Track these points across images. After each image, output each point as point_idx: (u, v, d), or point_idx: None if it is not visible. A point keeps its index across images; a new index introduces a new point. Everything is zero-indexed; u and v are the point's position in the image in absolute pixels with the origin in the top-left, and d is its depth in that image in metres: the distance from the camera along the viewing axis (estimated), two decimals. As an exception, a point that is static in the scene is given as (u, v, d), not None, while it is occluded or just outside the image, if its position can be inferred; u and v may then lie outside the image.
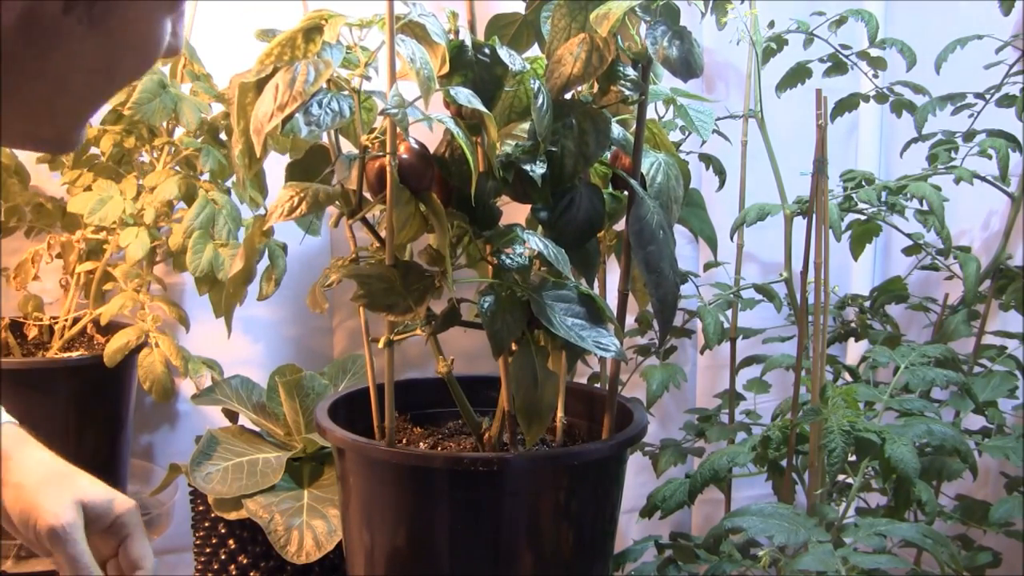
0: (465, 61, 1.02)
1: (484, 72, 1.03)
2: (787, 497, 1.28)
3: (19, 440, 0.98)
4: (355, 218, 1.04)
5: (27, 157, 1.57)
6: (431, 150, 1.04)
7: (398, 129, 0.97)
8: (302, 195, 1.02)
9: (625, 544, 1.45)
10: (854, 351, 1.72)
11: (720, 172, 1.57)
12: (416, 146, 1.00)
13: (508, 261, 1.00)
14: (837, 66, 1.58)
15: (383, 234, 1.04)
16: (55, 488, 0.96)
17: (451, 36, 1.04)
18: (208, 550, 1.48)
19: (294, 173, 1.12)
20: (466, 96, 0.98)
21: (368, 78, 1.02)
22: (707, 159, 1.57)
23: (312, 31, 0.99)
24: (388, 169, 0.98)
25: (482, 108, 0.97)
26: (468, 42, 1.03)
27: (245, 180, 1.04)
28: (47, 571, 1.45)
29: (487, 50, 1.03)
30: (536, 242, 1.00)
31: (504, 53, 1.03)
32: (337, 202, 1.05)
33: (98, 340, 1.58)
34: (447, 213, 1.02)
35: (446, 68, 1.01)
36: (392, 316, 1.06)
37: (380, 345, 1.09)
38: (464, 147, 0.95)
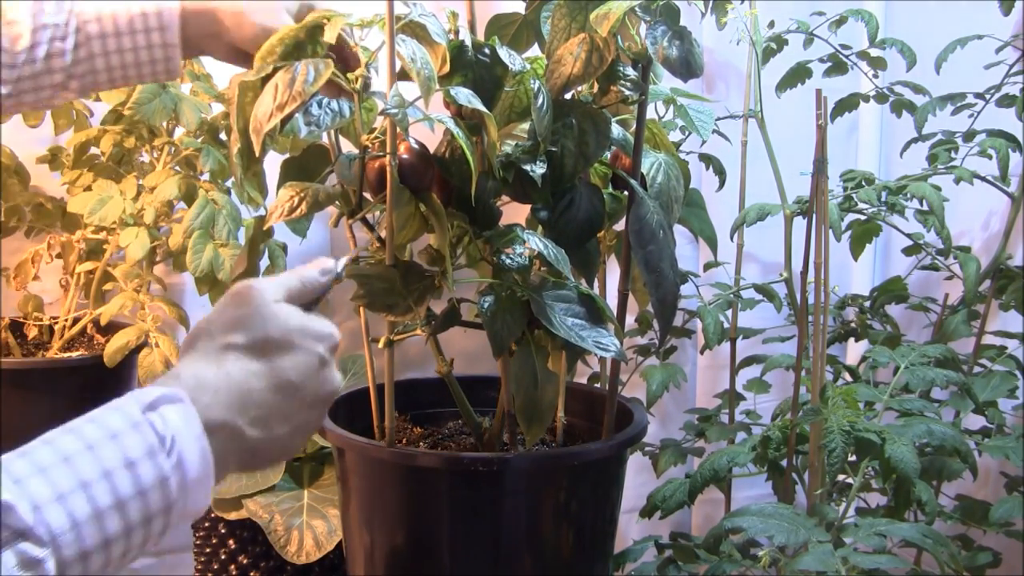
0: (465, 61, 1.02)
1: (484, 72, 1.03)
2: (787, 497, 1.28)
3: None
4: (355, 218, 1.04)
5: (27, 157, 1.57)
6: (432, 150, 1.04)
7: (398, 129, 0.97)
8: (302, 195, 1.02)
9: (625, 544, 1.45)
10: (854, 351, 1.72)
11: (720, 172, 1.57)
12: (416, 146, 1.00)
13: (508, 261, 1.00)
14: (837, 66, 1.58)
15: (383, 234, 1.04)
16: None
17: (451, 36, 1.04)
18: (208, 550, 1.49)
19: (290, 171, 1.12)
20: (466, 96, 0.98)
21: (368, 78, 1.02)
22: (707, 159, 1.57)
23: (314, 30, 0.99)
24: (388, 169, 0.98)
25: (482, 108, 0.97)
26: (468, 42, 1.03)
27: (243, 179, 1.04)
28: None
29: (487, 50, 1.03)
30: (536, 242, 1.00)
31: (504, 53, 1.03)
32: (337, 202, 1.05)
33: (98, 340, 1.58)
34: (447, 213, 1.02)
35: (446, 68, 1.01)
36: (392, 316, 1.06)
37: (380, 345, 1.09)
38: (464, 147, 0.95)
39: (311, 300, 0.82)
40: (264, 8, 1.04)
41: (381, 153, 1.00)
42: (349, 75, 1.01)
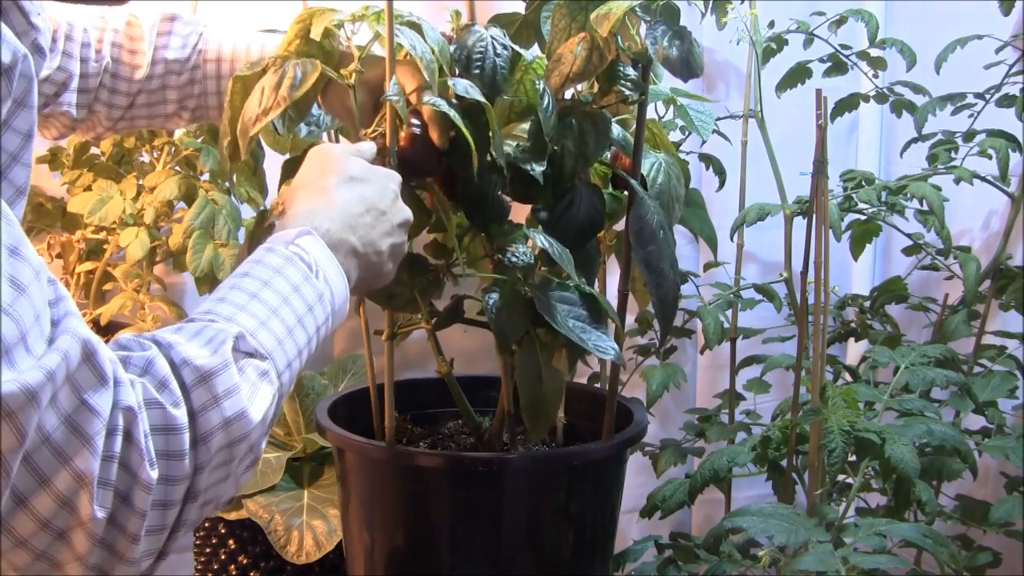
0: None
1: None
2: (787, 497, 1.28)
3: None
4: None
5: (27, 157, 1.57)
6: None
7: (401, 117, 0.97)
8: None
9: (625, 544, 1.45)
10: (854, 351, 1.72)
11: (720, 172, 1.57)
12: (418, 131, 0.99)
13: (512, 259, 1.00)
14: (837, 66, 1.58)
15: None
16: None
17: (453, 35, 1.04)
18: (208, 550, 1.49)
19: (290, 171, 1.12)
20: (464, 86, 0.97)
21: (362, 72, 1.02)
22: (707, 159, 1.57)
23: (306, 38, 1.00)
24: (387, 161, 0.98)
25: (480, 98, 0.97)
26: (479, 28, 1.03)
27: (233, 172, 1.05)
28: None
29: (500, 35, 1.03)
30: (541, 240, 1.00)
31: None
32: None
33: (98, 340, 1.58)
34: (452, 208, 1.02)
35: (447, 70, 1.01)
36: (393, 308, 1.05)
37: (383, 338, 1.09)
38: (461, 128, 0.95)
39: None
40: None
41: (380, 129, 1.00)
42: (342, 71, 1.01)
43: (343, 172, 0.91)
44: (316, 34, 0.99)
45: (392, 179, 0.94)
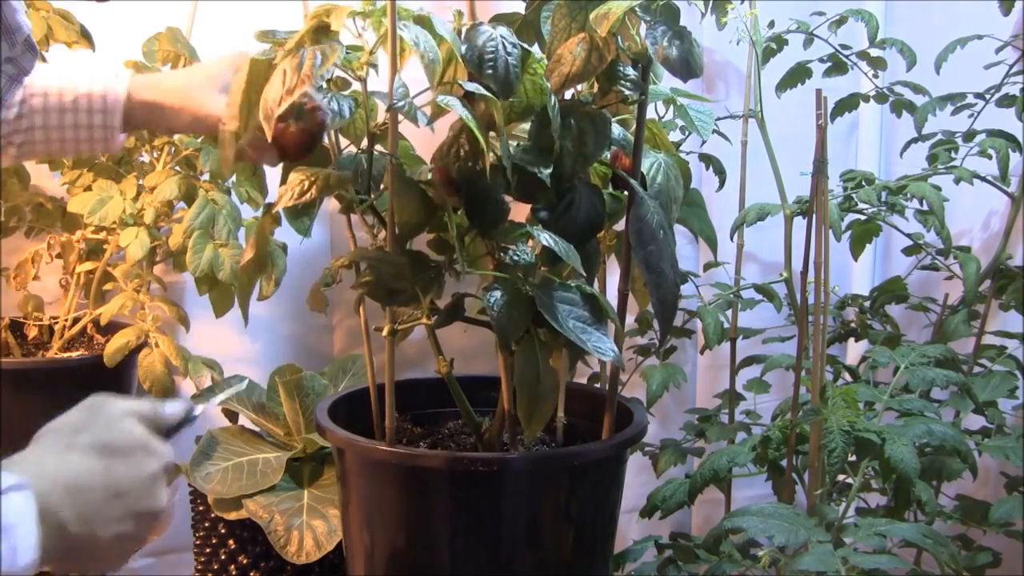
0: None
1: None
2: (787, 497, 1.28)
3: None
4: (365, 205, 1.05)
5: (27, 157, 1.57)
6: (433, 151, 1.04)
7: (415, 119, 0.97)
8: (312, 179, 1.01)
9: (625, 544, 1.45)
10: (854, 351, 1.72)
11: (720, 172, 1.57)
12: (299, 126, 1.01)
13: (514, 258, 1.00)
14: (837, 66, 1.58)
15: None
16: None
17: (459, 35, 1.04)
18: (208, 550, 1.49)
19: (290, 171, 1.12)
20: (472, 84, 0.97)
21: (374, 65, 1.02)
22: (707, 159, 1.57)
23: (319, 30, 1.00)
24: (390, 165, 0.98)
25: (486, 93, 0.97)
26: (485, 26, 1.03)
27: (229, 153, 1.06)
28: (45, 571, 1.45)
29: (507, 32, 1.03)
30: (545, 237, 1.00)
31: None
32: (341, 192, 1.05)
33: (98, 340, 1.58)
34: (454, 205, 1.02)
35: (454, 66, 1.01)
36: (395, 305, 1.05)
37: (384, 334, 1.08)
38: (473, 129, 0.94)
39: (162, 429, 0.87)
40: (200, 98, 1.11)
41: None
42: (354, 62, 1.01)
43: (99, 437, 0.81)
44: (336, 26, 0.99)
45: (155, 460, 0.83)
